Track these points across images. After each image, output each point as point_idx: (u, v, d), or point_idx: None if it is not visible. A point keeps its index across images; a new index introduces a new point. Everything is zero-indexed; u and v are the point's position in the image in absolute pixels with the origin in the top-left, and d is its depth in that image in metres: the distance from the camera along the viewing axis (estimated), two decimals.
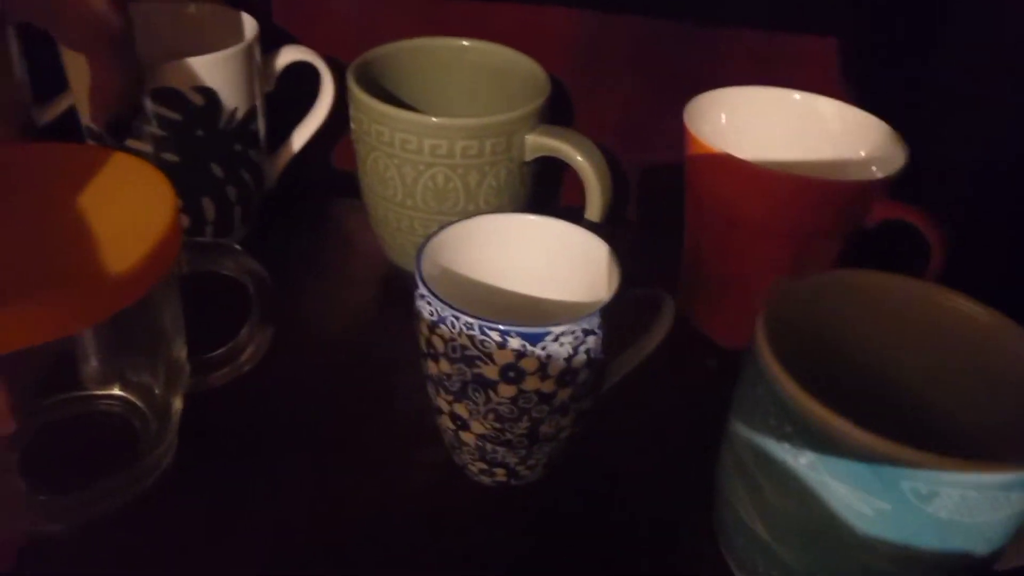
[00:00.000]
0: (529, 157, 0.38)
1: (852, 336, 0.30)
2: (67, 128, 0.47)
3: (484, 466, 0.32)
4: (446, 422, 0.31)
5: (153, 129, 0.38)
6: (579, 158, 0.38)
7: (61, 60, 0.39)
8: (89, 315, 0.25)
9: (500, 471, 0.32)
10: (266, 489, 0.32)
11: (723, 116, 0.40)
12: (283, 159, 0.46)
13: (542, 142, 0.37)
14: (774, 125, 0.41)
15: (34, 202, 0.27)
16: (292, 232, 0.48)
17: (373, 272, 0.45)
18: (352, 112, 0.40)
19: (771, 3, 0.43)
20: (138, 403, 0.33)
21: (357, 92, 0.38)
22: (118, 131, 0.37)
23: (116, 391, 0.33)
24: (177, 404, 0.31)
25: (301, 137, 0.46)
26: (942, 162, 0.40)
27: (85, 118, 0.39)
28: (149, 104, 0.37)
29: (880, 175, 0.36)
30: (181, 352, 0.30)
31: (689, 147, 0.37)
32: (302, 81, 0.45)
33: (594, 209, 0.39)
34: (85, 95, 0.36)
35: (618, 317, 0.29)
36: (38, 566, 0.29)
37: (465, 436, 0.30)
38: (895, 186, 0.35)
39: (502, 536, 0.31)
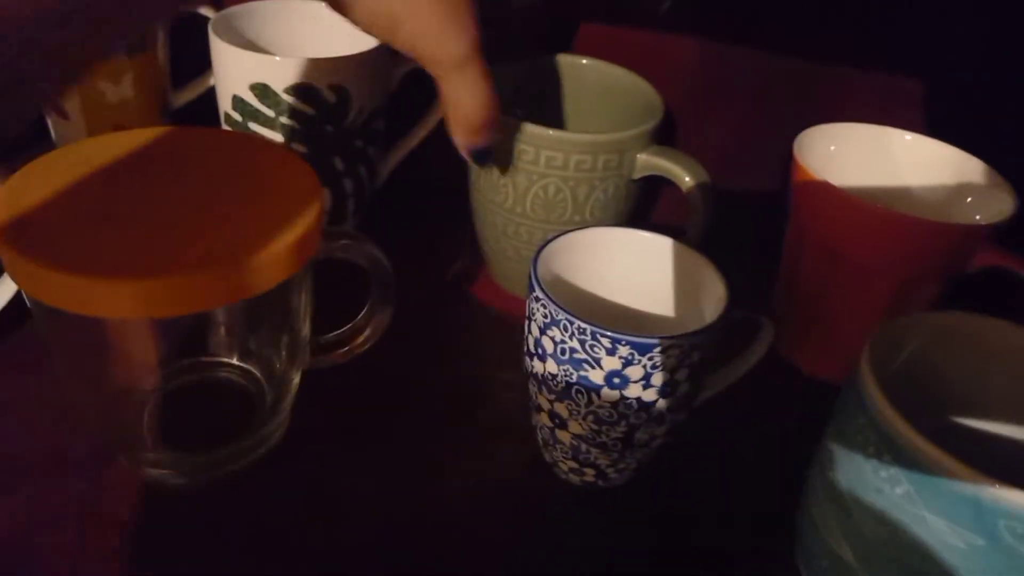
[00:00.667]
0: (637, 175, 0.40)
1: (949, 377, 0.30)
2: (199, 112, 0.51)
3: (575, 465, 0.33)
4: (544, 419, 0.32)
5: (286, 121, 0.41)
6: (688, 180, 0.39)
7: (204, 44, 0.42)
8: (240, 291, 0.27)
9: (590, 471, 0.33)
10: (365, 469, 0.34)
11: (832, 150, 0.41)
12: (396, 157, 0.49)
13: (653, 162, 0.39)
14: (882, 163, 0.41)
15: (196, 183, 0.29)
16: (397, 226, 0.50)
17: (466, 268, 0.48)
18: None
19: (888, 44, 0.43)
20: (259, 375, 0.35)
21: None
22: (485, 159, 0.37)
23: (241, 362, 0.36)
24: (295, 380, 0.34)
25: (415, 137, 0.49)
26: None
27: (225, 103, 0.42)
28: (285, 97, 0.40)
29: (985, 222, 0.37)
30: (306, 331, 0.33)
31: (796, 177, 0.38)
32: (421, 84, 0.47)
33: (696, 230, 0.40)
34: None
35: (721, 336, 0.30)
36: (156, 514, 0.31)
37: (561, 435, 0.32)
38: (1000, 234, 0.36)
39: (584, 534, 0.33)
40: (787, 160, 0.39)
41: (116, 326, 0.30)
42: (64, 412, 0.34)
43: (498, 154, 0.39)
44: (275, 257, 0.27)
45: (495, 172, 0.40)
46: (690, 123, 0.49)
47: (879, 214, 0.35)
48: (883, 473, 0.25)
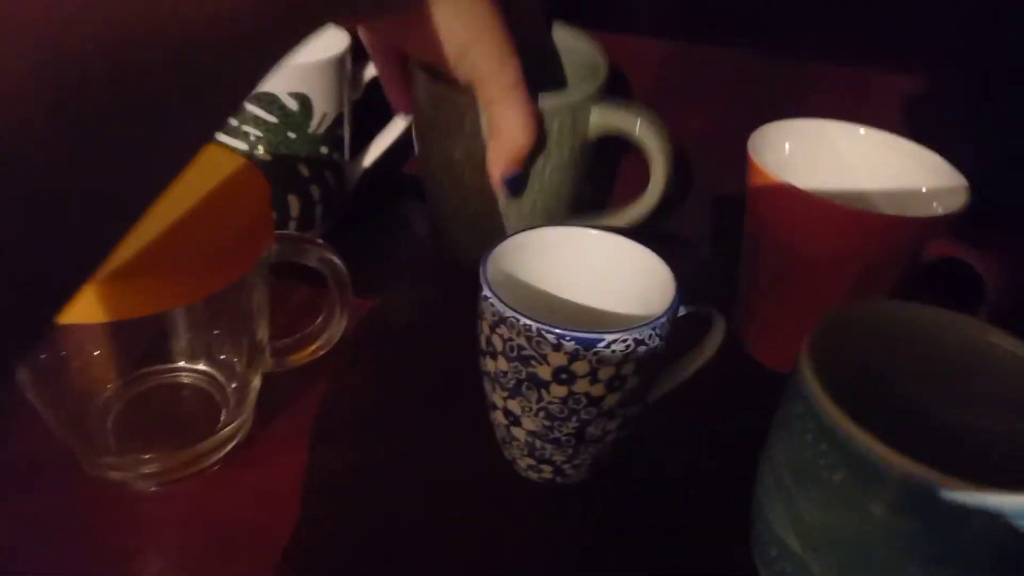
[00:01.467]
0: (593, 135, 0.40)
1: (896, 366, 0.31)
2: None
3: (532, 462, 0.33)
4: (499, 417, 0.33)
5: (249, 128, 0.42)
6: (644, 132, 0.39)
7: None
8: (189, 294, 0.27)
9: (547, 468, 0.33)
10: (328, 467, 0.35)
11: (787, 146, 0.41)
12: (363, 163, 0.49)
13: (608, 119, 0.39)
14: (838, 158, 0.42)
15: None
16: (367, 230, 0.51)
17: (438, 271, 0.48)
18: (415, 100, 0.41)
19: (846, 39, 0.44)
20: (220, 378, 0.36)
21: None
22: (518, 188, 0.39)
23: (201, 366, 0.36)
24: (256, 382, 0.34)
25: (382, 144, 0.49)
26: (1005, 204, 0.41)
27: None
28: (247, 105, 0.41)
29: (941, 212, 0.37)
30: (264, 334, 0.33)
31: (751, 175, 0.39)
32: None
33: (657, 181, 0.40)
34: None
35: (669, 331, 0.30)
36: (124, 516, 0.32)
37: (516, 431, 0.32)
38: (955, 224, 0.36)
39: (544, 530, 0.33)
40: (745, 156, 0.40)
41: (72, 331, 0.31)
42: (32, 418, 0.35)
43: (450, 124, 0.39)
44: (224, 256, 0.27)
45: (448, 148, 0.40)
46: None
47: (832, 210, 0.35)
48: (822, 460, 0.26)
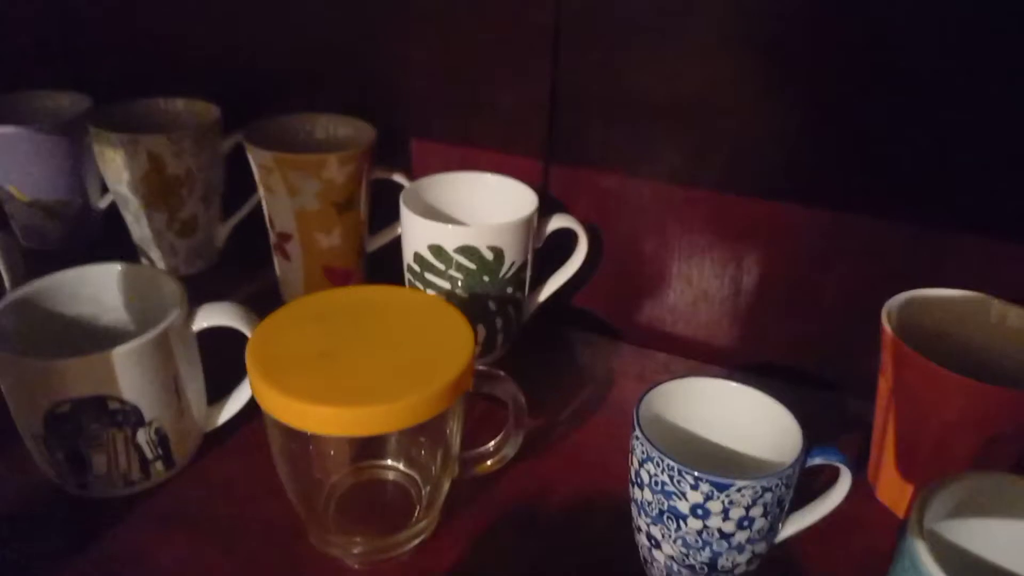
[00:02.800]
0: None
1: (996, 534, 0.34)
2: (387, 255, 0.63)
3: None
4: (643, 539, 0.39)
5: (454, 273, 0.51)
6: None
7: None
8: (410, 419, 0.36)
9: None
10: (499, 564, 0.42)
11: (922, 316, 0.45)
12: (539, 298, 0.58)
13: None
14: (973, 328, 0.45)
15: (383, 329, 0.39)
16: (539, 355, 0.59)
17: (605, 395, 0.55)
18: None
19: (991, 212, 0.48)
20: (418, 479, 0.44)
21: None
22: None
23: (403, 467, 0.45)
24: (446, 486, 0.42)
25: (554, 284, 0.58)
26: None
27: (408, 257, 0.54)
28: (454, 255, 0.51)
29: None
30: (456, 448, 0.41)
31: (884, 341, 0.43)
32: (562, 240, 0.57)
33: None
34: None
35: (797, 479, 0.35)
36: None
37: (657, 554, 0.38)
38: None
39: None
40: (878, 321, 0.44)
41: (321, 437, 0.40)
42: (269, 492, 0.45)
43: None
44: (439, 394, 0.36)
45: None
46: (797, 282, 0.55)
47: (962, 384, 0.39)
48: None
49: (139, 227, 0.64)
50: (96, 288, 0.47)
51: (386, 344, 0.39)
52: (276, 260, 0.62)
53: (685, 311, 0.59)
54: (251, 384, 0.37)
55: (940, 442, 0.42)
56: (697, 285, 0.58)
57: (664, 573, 0.39)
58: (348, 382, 0.36)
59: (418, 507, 0.43)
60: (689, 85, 0.52)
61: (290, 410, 0.35)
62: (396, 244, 0.63)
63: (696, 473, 0.34)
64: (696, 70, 0.51)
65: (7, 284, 0.53)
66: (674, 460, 0.35)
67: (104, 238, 0.72)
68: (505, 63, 0.56)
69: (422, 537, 0.42)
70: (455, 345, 0.39)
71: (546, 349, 0.60)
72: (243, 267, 0.68)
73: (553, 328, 0.62)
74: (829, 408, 0.49)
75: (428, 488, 0.43)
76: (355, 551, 0.42)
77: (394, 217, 0.63)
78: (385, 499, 0.45)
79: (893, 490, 0.45)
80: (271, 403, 0.36)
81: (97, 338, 0.47)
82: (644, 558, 0.40)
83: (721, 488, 0.34)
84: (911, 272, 0.50)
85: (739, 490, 0.34)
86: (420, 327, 0.40)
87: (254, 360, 0.37)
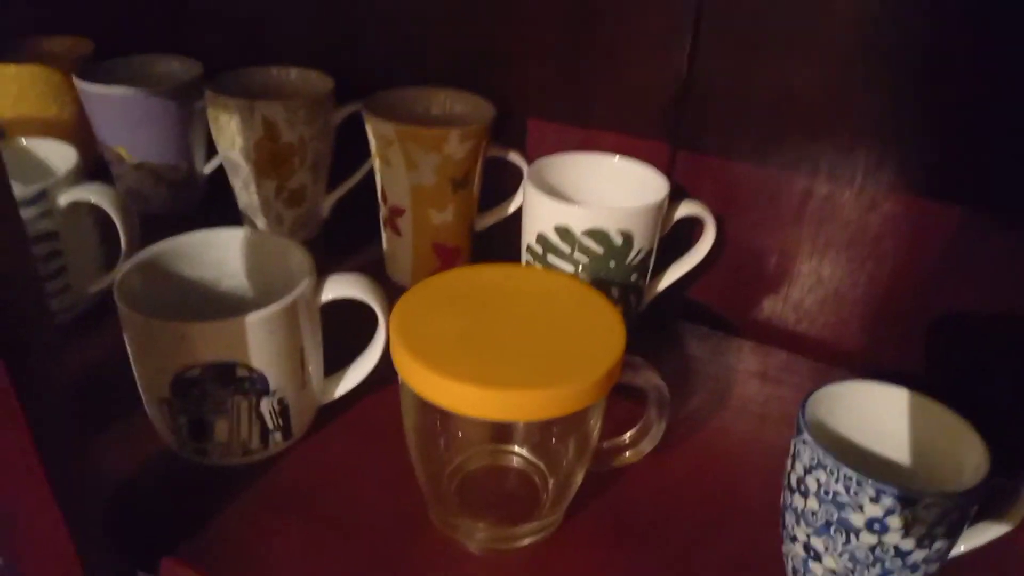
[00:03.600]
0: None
1: None
2: (497, 234, 0.61)
3: None
4: (798, 550, 0.36)
5: (579, 256, 0.49)
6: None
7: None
8: (559, 409, 0.34)
9: None
10: (625, 564, 0.39)
11: None
12: (659, 287, 0.56)
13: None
14: None
15: (532, 313, 0.37)
16: (654, 348, 0.56)
17: (726, 392, 0.52)
18: None
19: None
20: (545, 470, 0.42)
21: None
22: None
23: (528, 453, 0.43)
24: (578, 479, 0.40)
25: (676, 272, 0.55)
26: None
27: (530, 237, 0.51)
28: (581, 238, 0.48)
29: None
30: (595, 440, 0.39)
31: None
32: (687, 228, 0.54)
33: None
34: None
35: (981, 499, 0.32)
36: (451, 567, 0.39)
37: (814, 566, 0.35)
38: None
39: None
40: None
41: (457, 416, 0.38)
42: (388, 473, 0.43)
43: None
44: (591, 386, 0.34)
45: None
46: (944, 287, 0.51)
47: None
48: None
49: (247, 194, 0.63)
50: (221, 253, 0.46)
51: (531, 327, 0.36)
52: (385, 234, 0.61)
53: (811, 310, 0.56)
54: (395, 358, 0.35)
55: None
56: (828, 283, 0.55)
57: None
58: (496, 364, 0.34)
59: (544, 497, 0.41)
60: (824, 81, 0.49)
61: (435, 387, 0.34)
62: (502, 224, 0.61)
63: (880, 485, 0.31)
64: (832, 68, 0.48)
65: (124, 245, 0.52)
66: (853, 470, 0.32)
67: (206, 205, 0.71)
68: (639, 46, 0.54)
69: (546, 532, 0.40)
70: (605, 332, 0.36)
71: (661, 342, 0.58)
72: (346, 240, 0.66)
73: (668, 320, 0.59)
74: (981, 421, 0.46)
75: (555, 479, 0.41)
76: (477, 536, 0.40)
77: (501, 197, 0.62)
78: (511, 487, 0.43)
79: None
80: (415, 378, 0.34)
81: (216, 304, 0.47)
82: (795, 569, 0.37)
83: (907, 503, 0.31)
84: None
85: (927, 506, 0.31)
86: (565, 311, 0.38)
87: (399, 334, 0.35)
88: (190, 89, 0.64)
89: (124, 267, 0.42)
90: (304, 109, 0.59)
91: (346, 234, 0.67)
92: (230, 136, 0.59)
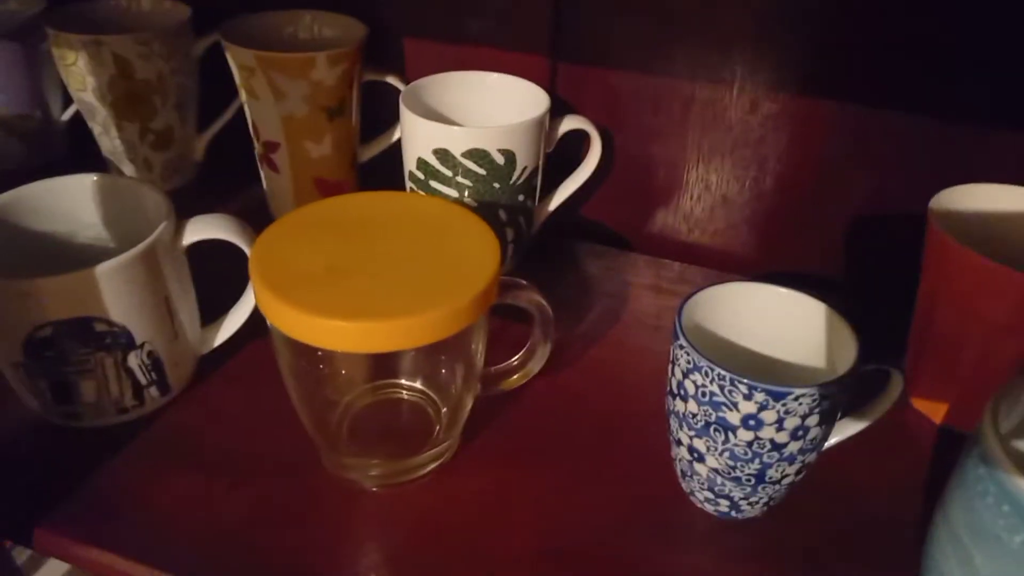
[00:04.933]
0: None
1: None
2: (380, 164, 0.59)
3: (711, 496, 0.37)
4: (683, 453, 0.37)
5: (461, 179, 0.47)
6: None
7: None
8: (433, 335, 0.33)
9: (724, 502, 0.37)
10: (520, 485, 0.39)
11: (967, 210, 0.43)
12: (550, 207, 0.55)
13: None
14: (1017, 224, 0.43)
15: (401, 240, 0.36)
16: (548, 268, 0.56)
17: (615, 309, 0.52)
18: None
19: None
20: (437, 399, 0.41)
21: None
22: None
23: (420, 385, 0.42)
24: (468, 405, 0.39)
25: (566, 191, 0.54)
26: None
27: (410, 164, 0.49)
28: (462, 160, 0.47)
29: None
30: (479, 364, 0.39)
31: (930, 237, 0.41)
32: (573, 143, 0.53)
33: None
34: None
35: (852, 386, 0.33)
36: (349, 508, 0.38)
37: (699, 467, 0.36)
38: None
39: (717, 559, 0.36)
40: (921, 219, 0.41)
41: (334, 354, 0.37)
42: (275, 420, 0.42)
43: None
44: (466, 307, 0.33)
45: None
46: (831, 182, 0.52)
47: (1010, 275, 0.37)
48: (1002, 522, 0.28)
49: (108, 139, 0.58)
50: (71, 202, 0.43)
51: (401, 254, 0.35)
52: (263, 172, 0.57)
53: (702, 218, 0.56)
54: (258, 299, 0.33)
55: (986, 346, 0.40)
56: (716, 190, 0.55)
57: (705, 486, 0.37)
58: (364, 295, 0.33)
59: (438, 427, 0.40)
60: None
61: (303, 326, 0.32)
62: (387, 155, 0.59)
63: (750, 382, 0.32)
64: None
65: None
66: (726, 369, 0.32)
67: (68, 156, 0.66)
68: None
69: (443, 459, 0.40)
70: (478, 253, 0.35)
71: (555, 262, 0.57)
72: (224, 182, 0.63)
73: (561, 240, 0.59)
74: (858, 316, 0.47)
75: (448, 408, 0.41)
76: (372, 473, 0.39)
77: (383, 126, 0.59)
78: (402, 420, 0.42)
79: (931, 397, 0.43)
80: (281, 319, 0.33)
81: (75, 258, 0.43)
82: (683, 471, 0.38)
83: (778, 397, 0.32)
84: (944, 169, 0.47)
85: (797, 399, 0.32)
86: (437, 235, 0.36)
87: (259, 274, 0.33)
88: (32, 27, 0.59)
89: None
90: (158, 41, 0.54)
91: (224, 177, 0.63)
92: (79, 76, 0.55)
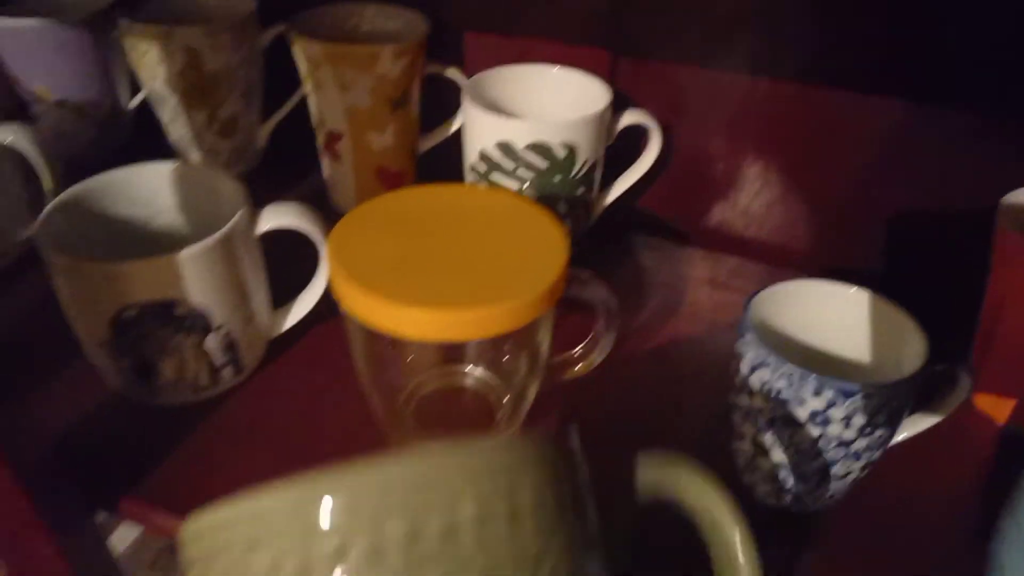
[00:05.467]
0: None
1: None
2: (441, 154, 0.59)
3: (773, 490, 0.37)
4: (746, 446, 0.37)
5: (522, 172, 0.48)
6: None
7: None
8: (507, 325, 0.33)
9: (787, 497, 0.37)
10: None
11: None
12: (607, 199, 0.55)
13: None
14: None
15: (473, 232, 0.37)
16: (604, 261, 0.56)
17: (677, 300, 0.53)
18: None
19: None
20: (500, 386, 0.42)
21: None
22: None
23: (481, 372, 0.43)
24: (531, 394, 0.40)
25: (624, 184, 0.55)
26: None
27: (472, 156, 0.50)
28: (524, 153, 0.47)
29: None
30: (545, 354, 0.39)
31: (999, 238, 0.40)
32: (633, 138, 0.53)
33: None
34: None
35: (920, 386, 0.33)
36: None
37: (762, 461, 0.36)
38: None
39: (776, 552, 0.37)
40: (988, 218, 0.41)
41: (406, 341, 0.38)
42: (341, 401, 0.43)
43: None
44: (538, 298, 0.33)
45: None
46: (892, 180, 0.51)
47: None
48: None
49: (177, 127, 0.60)
50: (149, 189, 0.45)
51: (472, 245, 0.36)
52: (325, 162, 0.59)
53: (759, 213, 0.56)
54: (335, 287, 0.35)
55: None
56: (775, 186, 0.55)
57: (768, 481, 0.37)
58: (439, 285, 0.33)
59: (500, 414, 0.41)
60: None
61: (379, 314, 0.33)
62: (445, 145, 0.60)
63: (820, 379, 0.32)
64: None
65: (45, 184, 0.50)
66: (795, 365, 0.33)
67: (135, 143, 0.68)
68: None
69: None
70: (548, 246, 0.36)
71: (611, 254, 0.57)
72: (286, 169, 0.64)
73: (617, 233, 0.59)
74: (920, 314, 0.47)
75: (511, 396, 0.41)
76: None
77: (442, 118, 0.60)
78: (466, 406, 0.43)
79: (996, 396, 0.43)
80: (358, 307, 0.34)
81: (151, 243, 0.45)
82: (745, 465, 0.38)
83: (847, 394, 0.32)
84: (1008, 167, 0.47)
85: (866, 396, 0.32)
86: (506, 227, 0.37)
87: (337, 262, 0.34)
88: (105, 17, 0.61)
89: (48, 208, 0.40)
90: (227, 33, 0.56)
91: (287, 164, 0.65)
92: (151, 67, 0.56)
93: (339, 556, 0.21)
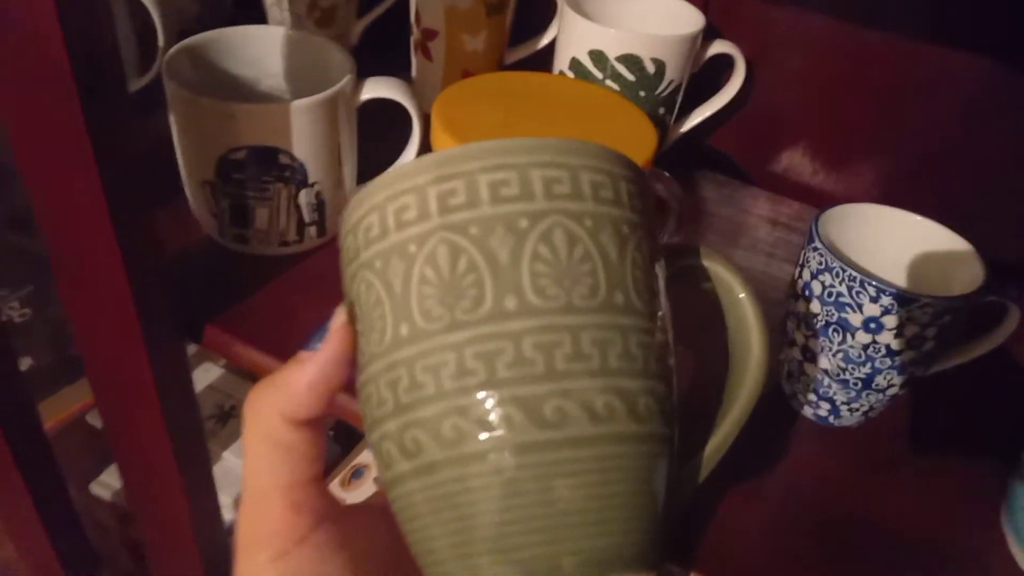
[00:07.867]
0: None
1: None
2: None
3: (813, 398, 0.40)
4: (795, 354, 0.39)
5: (610, 83, 0.50)
6: None
7: None
8: None
9: (825, 406, 0.39)
10: None
11: None
12: (683, 128, 0.57)
13: None
14: None
15: (561, 111, 0.39)
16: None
17: (737, 234, 0.54)
18: None
19: None
20: None
21: None
22: None
23: None
24: None
25: (702, 114, 0.56)
26: None
27: (562, 63, 0.52)
28: (614, 63, 0.49)
29: None
30: None
31: None
32: (717, 70, 0.55)
33: None
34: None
35: (974, 307, 0.35)
36: None
37: (808, 368, 0.39)
38: None
39: (807, 461, 0.39)
40: None
41: None
42: None
43: None
44: None
45: None
46: (965, 140, 0.52)
47: None
48: None
49: (279, 10, 0.62)
50: (261, 50, 0.47)
51: (568, 122, 0.38)
52: (415, 60, 0.61)
53: (828, 160, 0.58)
54: (436, 145, 0.37)
55: None
56: (847, 135, 0.56)
57: (811, 387, 0.39)
58: None
59: None
60: None
61: None
62: (529, 62, 0.61)
63: (880, 284, 0.34)
64: None
65: (161, 38, 0.53)
66: (858, 270, 0.34)
67: (236, 22, 0.71)
68: None
69: None
70: (637, 132, 0.38)
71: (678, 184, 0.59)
72: (376, 66, 0.66)
73: (684, 163, 0.61)
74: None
75: None
76: None
77: (533, 32, 0.62)
78: None
79: None
80: None
81: (256, 101, 0.48)
82: (789, 372, 0.40)
83: (903, 302, 0.34)
84: None
85: (922, 306, 0.34)
86: (601, 114, 0.39)
87: (441, 123, 0.37)
88: None
89: (173, 49, 0.43)
90: None
91: (375, 63, 0.67)
92: None
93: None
